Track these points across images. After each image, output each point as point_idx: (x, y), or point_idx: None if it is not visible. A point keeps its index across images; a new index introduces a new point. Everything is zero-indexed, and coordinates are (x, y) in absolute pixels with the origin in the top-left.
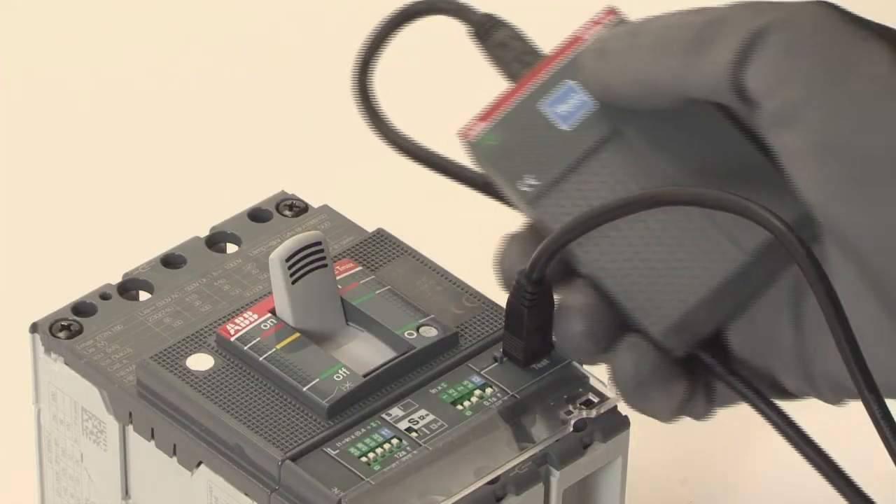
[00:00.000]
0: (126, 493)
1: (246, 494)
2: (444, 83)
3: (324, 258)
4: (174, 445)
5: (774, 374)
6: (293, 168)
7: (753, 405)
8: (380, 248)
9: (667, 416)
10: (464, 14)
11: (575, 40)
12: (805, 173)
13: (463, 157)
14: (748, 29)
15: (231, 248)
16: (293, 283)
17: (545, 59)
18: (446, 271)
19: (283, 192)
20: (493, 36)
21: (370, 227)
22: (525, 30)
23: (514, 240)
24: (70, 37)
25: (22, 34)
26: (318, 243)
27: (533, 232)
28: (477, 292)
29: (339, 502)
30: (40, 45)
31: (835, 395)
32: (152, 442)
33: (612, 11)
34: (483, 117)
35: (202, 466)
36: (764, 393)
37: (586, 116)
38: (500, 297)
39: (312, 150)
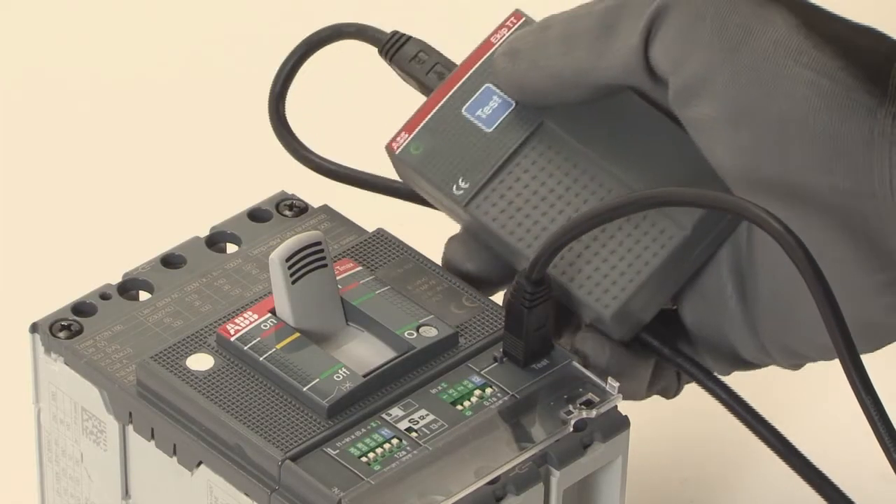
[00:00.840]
0: (126, 493)
1: (246, 494)
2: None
3: (324, 258)
4: (174, 445)
5: (732, 346)
6: (293, 168)
7: (700, 383)
8: (380, 248)
9: (640, 396)
10: (369, 35)
11: (487, 45)
12: (718, 142)
13: (387, 171)
14: (650, 8)
15: (231, 248)
16: (293, 283)
17: (460, 67)
18: (446, 271)
19: (283, 192)
20: (402, 52)
21: (370, 227)
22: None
23: (455, 241)
24: (70, 37)
25: (22, 34)
26: (318, 243)
27: (471, 232)
28: (477, 292)
29: (339, 502)
30: (40, 45)
31: (789, 360)
32: (152, 442)
33: (519, 15)
34: (407, 128)
35: (202, 466)
36: (709, 370)
37: (508, 116)
38: (500, 297)
39: (312, 150)
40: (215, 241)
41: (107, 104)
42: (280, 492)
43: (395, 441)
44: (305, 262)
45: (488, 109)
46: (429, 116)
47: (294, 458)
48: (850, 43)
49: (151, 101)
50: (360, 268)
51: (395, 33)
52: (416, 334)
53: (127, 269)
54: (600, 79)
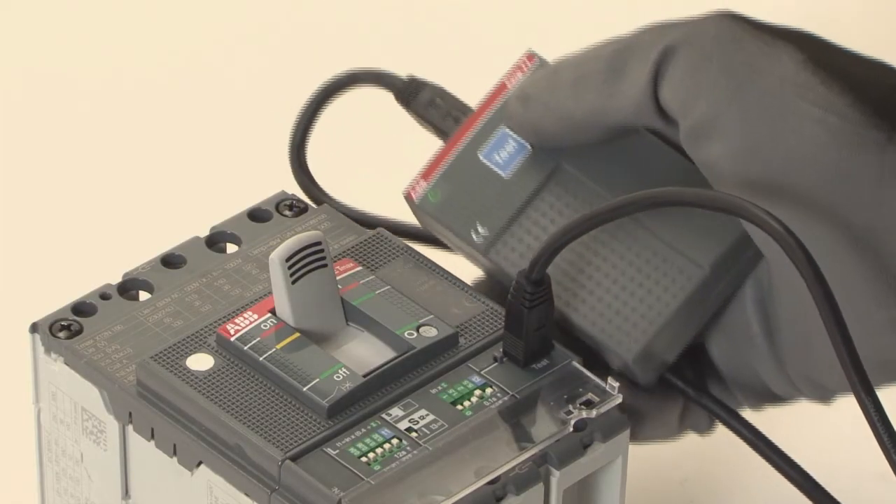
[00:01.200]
0: (126, 493)
1: (246, 494)
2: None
3: (324, 258)
4: (174, 445)
5: (761, 381)
6: None
7: (725, 423)
8: (380, 248)
9: (669, 438)
10: (385, 81)
11: (501, 88)
12: (729, 181)
13: (407, 214)
14: (657, 50)
15: (231, 248)
16: (293, 283)
17: (475, 111)
18: (446, 271)
19: (283, 192)
20: (418, 97)
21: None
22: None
23: (480, 287)
24: (70, 36)
25: (22, 34)
26: (318, 243)
27: (493, 277)
28: (477, 292)
29: (339, 502)
30: (40, 44)
31: (816, 393)
32: (152, 442)
33: (532, 56)
34: (424, 175)
35: (202, 466)
36: (733, 409)
37: (524, 160)
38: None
39: (312, 150)
40: (215, 241)
41: (107, 104)
42: (280, 492)
43: (395, 441)
44: (305, 262)
45: (504, 154)
46: (446, 163)
47: (294, 458)
48: (859, 77)
49: (151, 101)
50: (360, 268)
51: (411, 79)
52: (416, 334)
53: (127, 269)
54: (612, 120)
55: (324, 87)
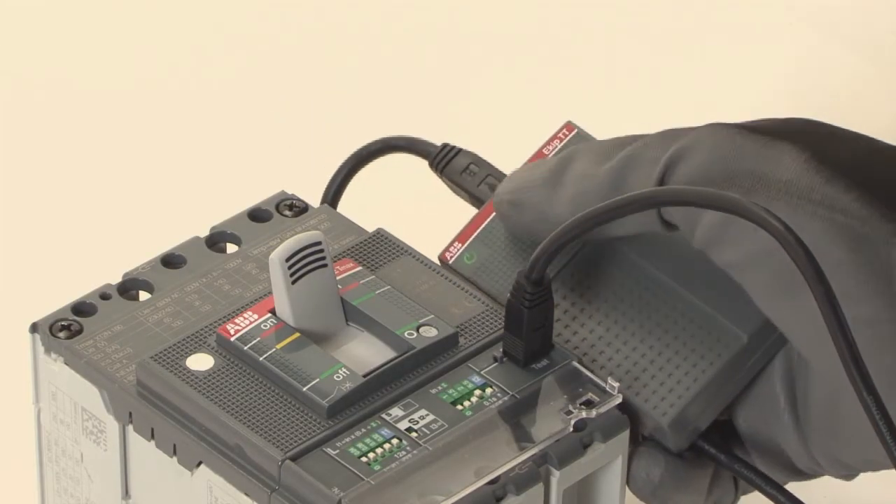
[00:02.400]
0: (126, 493)
1: (246, 494)
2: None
3: (324, 258)
4: (174, 445)
5: (786, 456)
6: (293, 168)
7: (760, 489)
8: (380, 248)
9: None
10: (419, 148)
11: (539, 157)
12: (746, 280)
13: None
14: (658, 167)
15: (231, 248)
16: (293, 283)
17: None
18: (447, 271)
19: (283, 192)
20: (452, 164)
21: (370, 227)
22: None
23: None
24: (70, 36)
25: (22, 33)
26: (318, 243)
27: None
28: (477, 292)
29: (339, 502)
30: (40, 44)
31: (839, 471)
32: (152, 442)
33: (570, 126)
34: (460, 239)
35: (202, 466)
36: (769, 476)
37: None
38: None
39: (312, 150)
40: (215, 241)
41: (107, 104)
42: (280, 492)
43: (395, 441)
44: (305, 262)
45: None
46: (481, 227)
47: (294, 458)
48: (865, 167)
49: (151, 101)
50: (360, 268)
51: (445, 146)
52: (416, 334)
53: (127, 269)
54: (614, 234)
55: (357, 153)
